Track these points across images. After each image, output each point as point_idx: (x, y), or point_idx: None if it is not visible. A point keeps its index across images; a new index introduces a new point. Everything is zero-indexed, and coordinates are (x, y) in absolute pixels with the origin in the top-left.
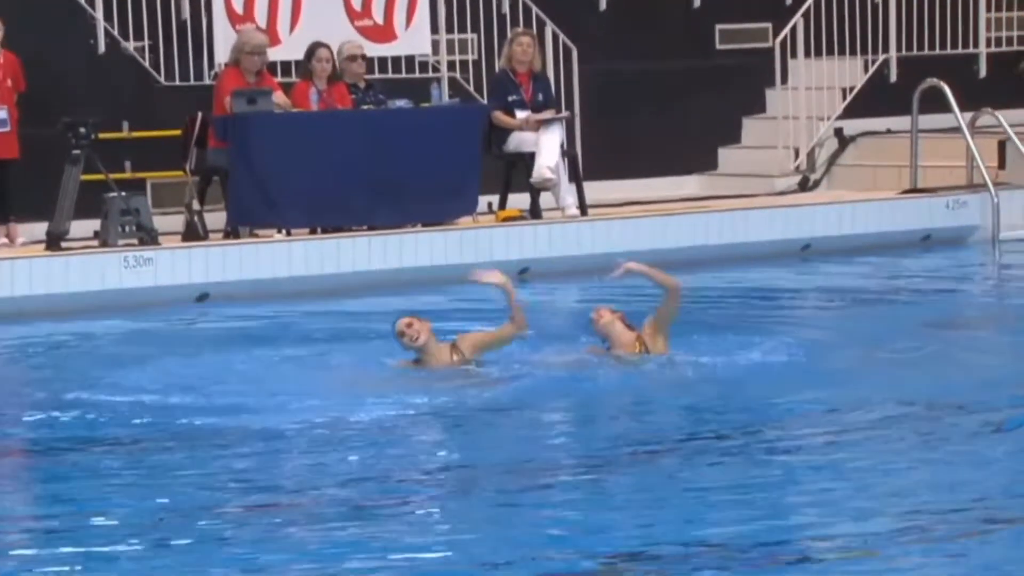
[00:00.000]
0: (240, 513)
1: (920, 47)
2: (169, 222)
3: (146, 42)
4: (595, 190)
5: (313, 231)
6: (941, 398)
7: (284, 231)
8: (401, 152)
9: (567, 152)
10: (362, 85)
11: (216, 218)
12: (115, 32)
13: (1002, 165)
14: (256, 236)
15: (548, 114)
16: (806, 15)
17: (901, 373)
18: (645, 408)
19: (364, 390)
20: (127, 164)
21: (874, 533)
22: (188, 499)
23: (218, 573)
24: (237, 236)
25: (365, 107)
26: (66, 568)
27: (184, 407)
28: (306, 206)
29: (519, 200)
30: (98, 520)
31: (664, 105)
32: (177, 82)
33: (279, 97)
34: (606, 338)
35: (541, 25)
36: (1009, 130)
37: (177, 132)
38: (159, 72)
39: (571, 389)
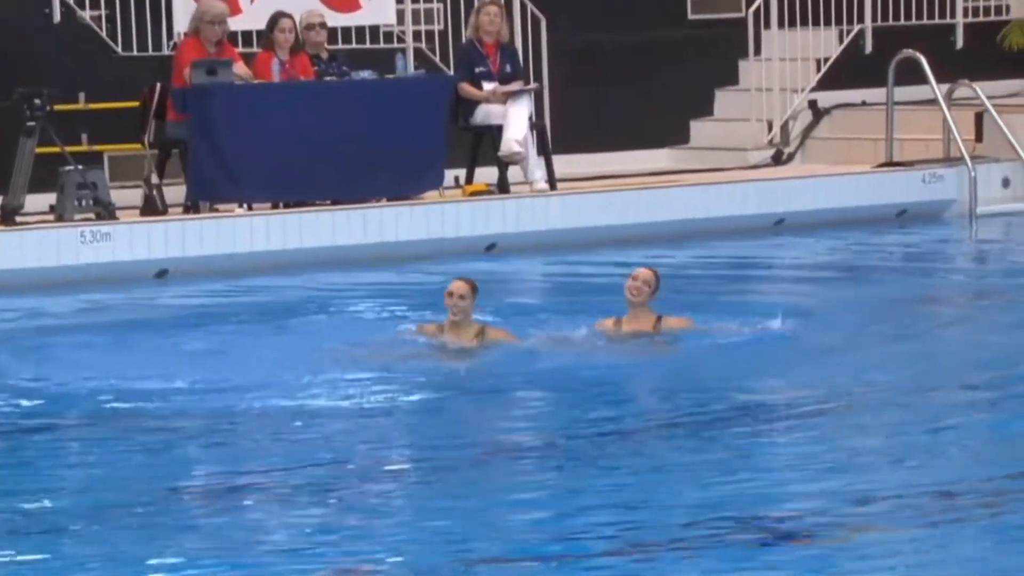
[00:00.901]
0: (200, 494)
1: (896, 17)
2: (127, 196)
3: (103, 10)
4: (564, 164)
5: (275, 206)
6: (916, 376)
7: (245, 206)
8: (365, 125)
9: (536, 125)
10: (325, 56)
11: (175, 192)
12: (71, 0)
13: (979, 138)
14: (217, 211)
15: (516, 86)
16: None
17: (876, 350)
18: (616, 388)
19: (326, 368)
20: (83, 136)
21: (848, 513)
22: (146, 481)
23: (178, 555)
24: (197, 211)
25: (328, 78)
26: (13, 553)
27: (142, 386)
28: (268, 180)
29: (486, 174)
30: (52, 503)
31: (635, 77)
32: (135, 52)
33: (240, 68)
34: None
35: None
36: (987, 102)
37: (135, 104)
38: (116, 42)
39: (569, 370)
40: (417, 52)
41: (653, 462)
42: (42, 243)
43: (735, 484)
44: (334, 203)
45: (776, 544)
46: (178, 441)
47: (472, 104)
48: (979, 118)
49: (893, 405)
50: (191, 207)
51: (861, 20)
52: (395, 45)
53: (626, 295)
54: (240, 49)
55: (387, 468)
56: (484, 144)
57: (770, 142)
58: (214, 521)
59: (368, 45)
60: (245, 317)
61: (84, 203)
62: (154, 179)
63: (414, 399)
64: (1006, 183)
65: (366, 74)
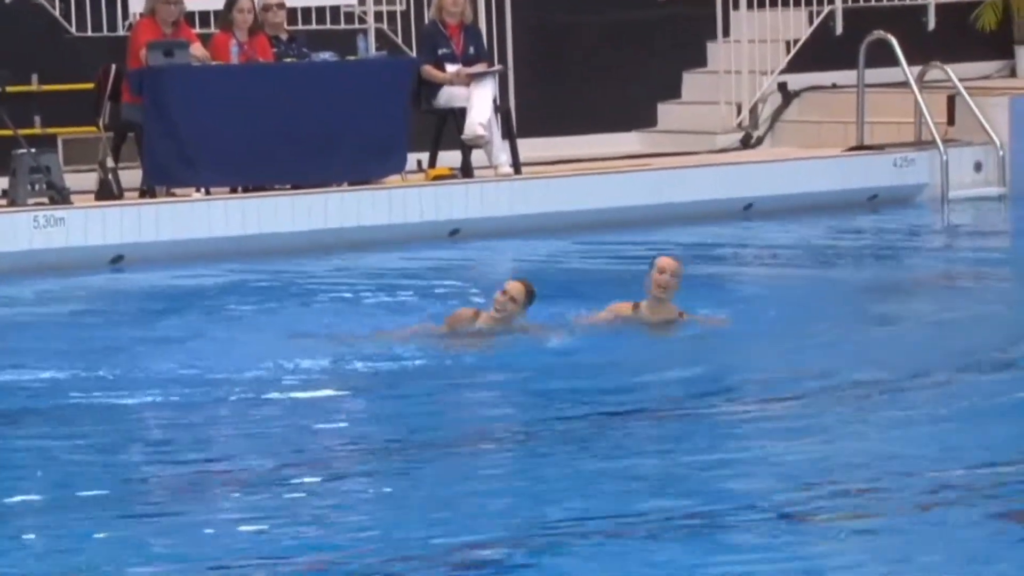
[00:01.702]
0: (158, 485)
1: None
2: (81, 180)
3: None
4: (529, 147)
5: (233, 190)
6: (888, 362)
7: (203, 190)
8: (326, 108)
9: (500, 107)
10: (284, 37)
11: (131, 176)
12: None
13: (951, 121)
14: (173, 195)
15: (480, 68)
16: None
17: (846, 337)
18: (576, 377)
19: (288, 356)
20: (37, 119)
21: (822, 500)
22: (101, 471)
23: (135, 548)
24: (153, 195)
25: (287, 60)
26: None
27: (97, 374)
28: (226, 164)
29: (450, 158)
30: (4, 495)
31: (601, 59)
32: (89, 32)
33: (197, 49)
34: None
35: None
36: (959, 85)
37: (90, 86)
38: (70, 22)
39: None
40: (379, 33)
41: (606, 452)
42: None
43: (707, 470)
44: (294, 188)
45: (754, 529)
46: (135, 431)
47: (435, 86)
48: (951, 101)
49: (865, 391)
50: (147, 191)
51: (831, 1)
52: (356, 26)
53: (651, 290)
54: (197, 30)
55: (355, 456)
56: (447, 127)
57: (739, 125)
58: (172, 513)
59: (328, 26)
60: (203, 304)
61: (37, 187)
62: (109, 163)
63: (392, 387)
64: (978, 167)
65: (326, 56)
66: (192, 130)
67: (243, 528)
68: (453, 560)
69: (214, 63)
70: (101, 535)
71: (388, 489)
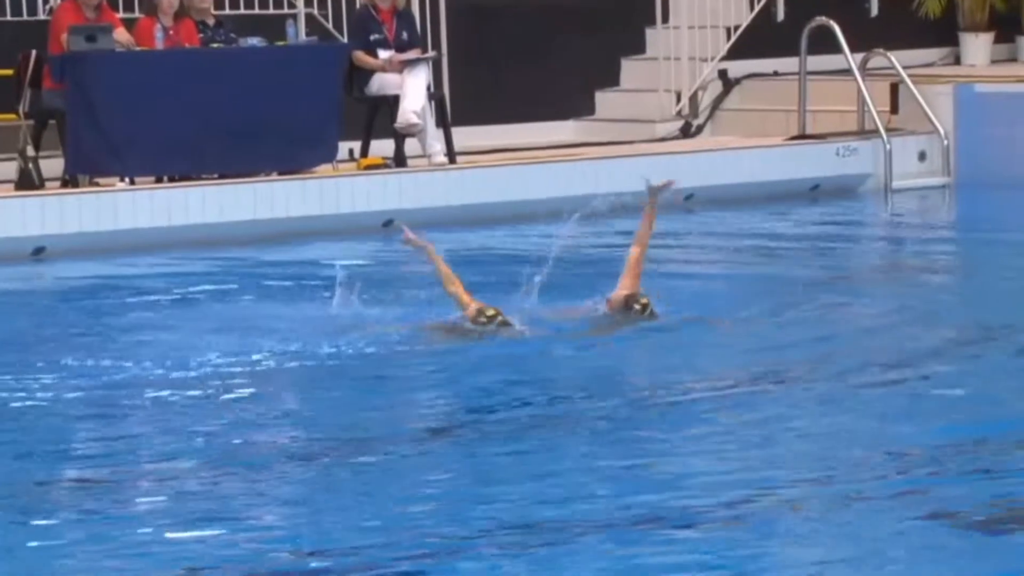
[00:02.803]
0: (75, 487)
1: None
2: (1, 169)
3: None
4: (464, 136)
5: (159, 180)
6: (830, 355)
7: (127, 180)
8: (254, 95)
9: (434, 95)
10: (211, 22)
11: (52, 165)
12: None
13: (895, 110)
14: (97, 185)
15: (413, 54)
16: None
17: (787, 330)
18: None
19: (215, 350)
20: None
21: (761, 496)
22: (13, 472)
23: (49, 549)
24: (76, 185)
25: (214, 46)
26: None
27: (15, 371)
28: (151, 153)
29: (382, 147)
30: None
31: (537, 45)
32: (8, 16)
33: (121, 34)
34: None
35: None
36: (902, 72)
37: (9, 72)
38: None
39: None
40: (309, 18)
41: (548, 452)
42: None
43: (642, 471)
44: (221, 177)
45: (692, 528)
46: (53, 429)
47: (367, 73)
48: (895, 89)
49: (805, 385)
50: (69, 181)
51: None
52: (285, 11)
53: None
54: (121, 14)
55: (279, 454)
56: (380, 115)
57: (678, 113)
58: (87, 513)
59: (257, 11)
60: (127, 298)
61: None
62: (30, 151)
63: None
64: (922, 156)
65: (255, 41)
66: (116, 118)
67: (163, 531)
68: (384, 560)
69: (138, 48)
70: (13, 539)
71: (311, 489)
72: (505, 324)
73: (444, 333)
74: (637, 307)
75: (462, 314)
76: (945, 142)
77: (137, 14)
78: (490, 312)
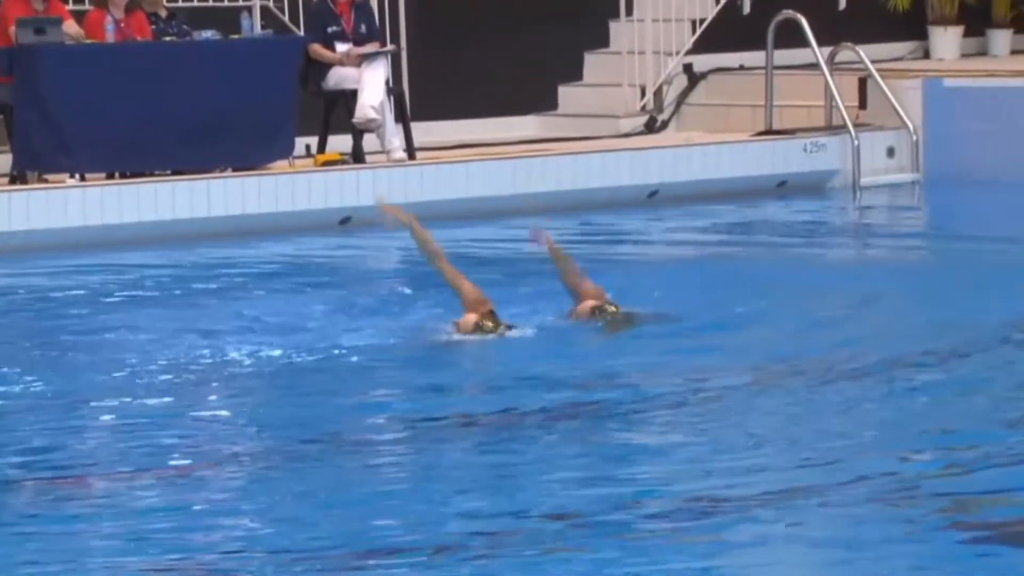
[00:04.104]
0: (17, 489)
1: None
2: None
3: None
4: (423, 131)
5: (110, 176)
6: (795, 353)
7: (77, 176)
8: (208, 89)
9: (393, 90)
10: (163, 14)
11: (0, 161)
12: None
13: (863, 105)
14: (46, 181)
15: (371, 47)
16: None
17: (754, 327)
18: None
19: (167, 351)
20: None
21: (728, 499)
22: None
23: None
24: (25, 181)
25: (167, 39)
26: None
27: None
28: (102, 148)
29: (340, 142)
30: None
31: (499, 39)
32: None
33: (70, 27)
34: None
35: None
36: (871, 66)
37: None
38: None
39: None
40: (264, 11)
41: (516, 453)
42: None
43: (612, 467)
44: (175, 173)
45: (654, 532)
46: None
47: (324, 67)
48: (863, 83)
49: (772, 383)
50: (17, 177)
51: None
52: (240, 3)
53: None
54: (70, 6)
55: (230, 455)
56: (337, 110)
57: (643, 108)
58: (28, 519)
59: (210, 3)
60: (78, 296)
61: None
62: None
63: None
64: (891, 152)
65: (209, 34)
66: (66, 112)
67: (113, 536)
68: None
69: (89, 41)
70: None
71: (269, 490)
72: (509, 328)
73: (419, 334)
74: (607, 317)
75: (452, 324)
76: (914, 137)
77: (87, 6)
78: (489, 324)
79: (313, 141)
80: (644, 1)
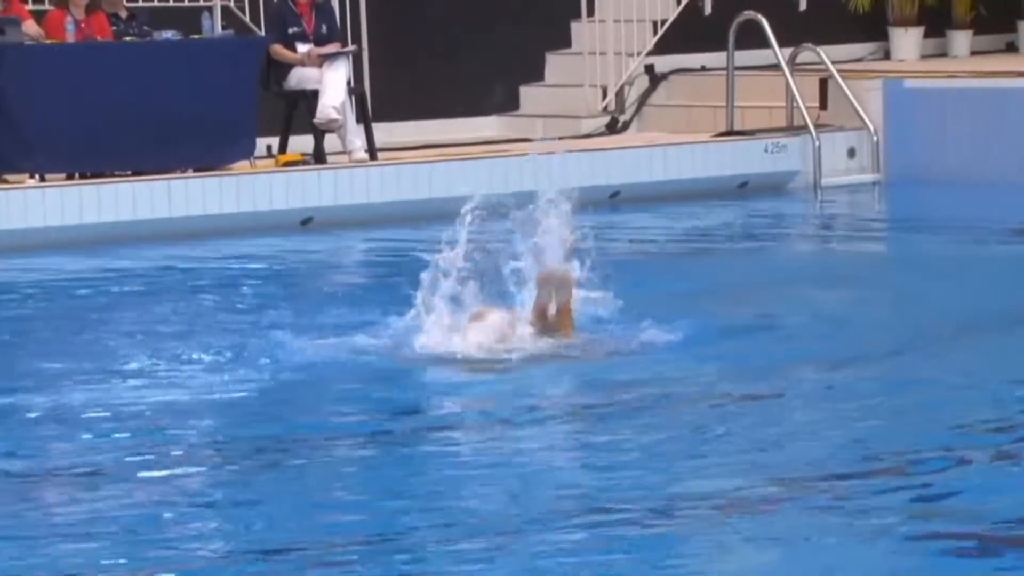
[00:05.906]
0: None
1: None
2: None
3: None
4: (385, 132)
5: (70, 176)
6: (755, 357)
7: (37, 176)
8: (169, 89)
9: (354, 90)
10: (124, 14)
11: None
12: None
13: (824, 105)
14: (6, 182)
15: (333, 48)
16: None
17: (713, 330)
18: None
19: (130, 354)
20: None
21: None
22: None
23: None
24: None
25: (127, 39)
26: None
27: None
28: (62, 149)
29: (301, 143)
30: None
31: (461, 39)
32: None
33: (30, 27)
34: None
35: None
36: (831, 67)
37: None
38: None
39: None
40: (225, 11)
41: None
42: None
43: (582, 471)
44: (135, 174)
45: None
46: None
47: (285, 67)
48: (824, 84)
49: (733, 388)
50: None
51: None
52: (201, 3)
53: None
54: (30, 6)
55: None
56: (299, 111)
57: (604, 109)
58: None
59: (171, 3)
60: (37, 298)
61: None
62: None
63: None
64: (852, 153)
65: (169, 34)
66: (25, 113)
67: (75, 538)
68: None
69: (49, 41)
70: None
71: (229, 493)
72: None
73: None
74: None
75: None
76: (875, 138)
77: (47, 6)
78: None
79: (274, 141)
80: (605, 2)
